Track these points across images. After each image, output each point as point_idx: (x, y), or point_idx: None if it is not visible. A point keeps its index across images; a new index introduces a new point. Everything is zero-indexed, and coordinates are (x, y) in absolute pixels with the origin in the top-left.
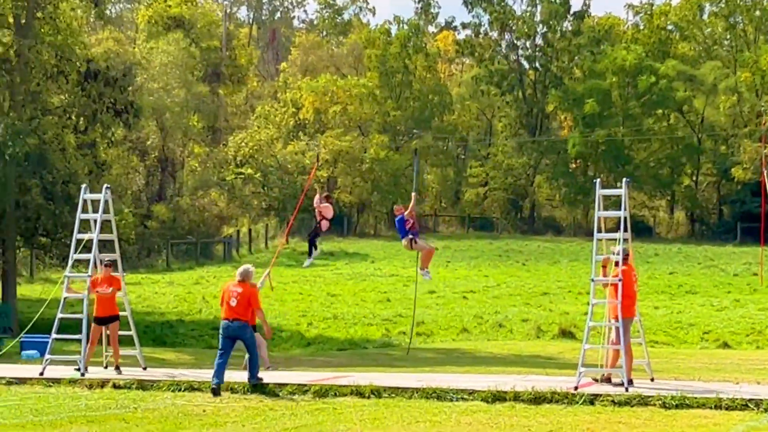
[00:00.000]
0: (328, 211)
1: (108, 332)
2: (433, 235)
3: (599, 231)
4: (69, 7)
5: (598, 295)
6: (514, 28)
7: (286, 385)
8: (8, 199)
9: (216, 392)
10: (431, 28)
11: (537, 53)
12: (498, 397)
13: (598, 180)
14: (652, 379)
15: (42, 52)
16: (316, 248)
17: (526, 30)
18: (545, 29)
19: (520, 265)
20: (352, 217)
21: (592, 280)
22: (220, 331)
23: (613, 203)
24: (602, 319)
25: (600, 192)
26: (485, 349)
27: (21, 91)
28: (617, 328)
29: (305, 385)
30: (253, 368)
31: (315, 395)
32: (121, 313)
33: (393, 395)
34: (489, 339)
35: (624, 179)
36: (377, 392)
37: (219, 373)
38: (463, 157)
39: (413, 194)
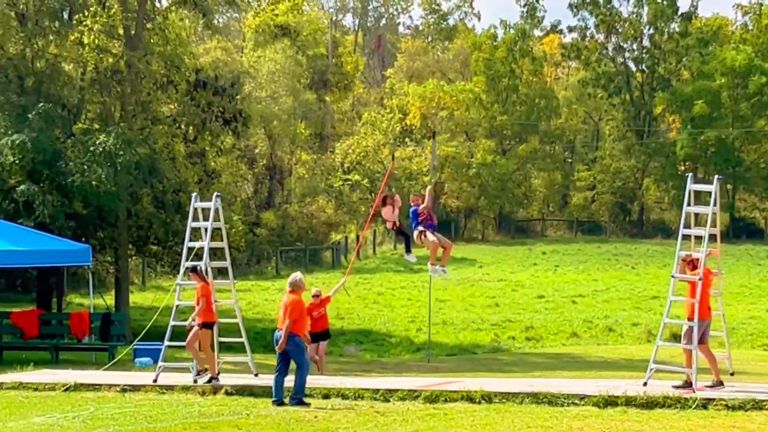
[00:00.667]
0: (391, 213)
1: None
2: (541, 239)
3: (687, 227)
4: (178, 18)
5: (677, 293)
6: (620, 30)
7: (397, 390)
8: (120, 208)
9: (280, 403)
10: (537, 32)
11: (644, 55)
12: (609, 401)
13: (690, 174)
14: (732, 374)
15: (152, 62)
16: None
17: (633, 32)
18: (652, 31)
19: (629, 268)
20: (460, 222)
21: (673, 277)
22: (274, 341)
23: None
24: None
25: (691, 187)
26: (595, 354)
27: (131, 101)
28: (690, 329)
29: (416, 390)
30: (298, 387)
31: (426, 401)
32: (231, 320)
33: (504, 400)
34: (599, 343)
35: (716, 176)
36: (488, 397)
37: (278, 390)
38: (570, 160)
39: (429, 188)
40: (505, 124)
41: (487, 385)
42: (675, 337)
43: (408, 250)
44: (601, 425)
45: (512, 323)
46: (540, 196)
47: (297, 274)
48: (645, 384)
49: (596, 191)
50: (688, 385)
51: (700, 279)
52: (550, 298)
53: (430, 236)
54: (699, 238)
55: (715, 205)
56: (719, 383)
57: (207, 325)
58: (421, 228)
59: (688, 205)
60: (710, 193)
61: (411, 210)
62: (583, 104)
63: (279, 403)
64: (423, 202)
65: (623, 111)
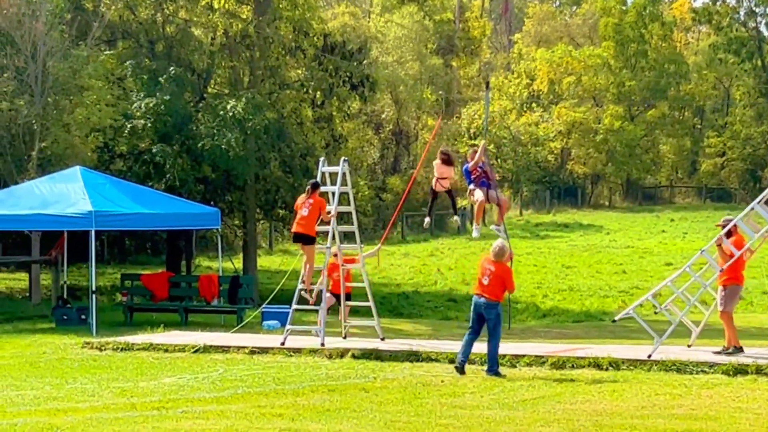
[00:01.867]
0: (452, 172)
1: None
2: (669, 206)
3: None
4: None
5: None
6: None
7: (524, 356)
8: (249, 172)
9: (460, 370)
10: None
11: None
12: (739, 370)
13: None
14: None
15: (280, 27)
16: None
17: None
18: None
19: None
20: (586, 188)
21: (701, 251)
22: (472, 306)
23: None
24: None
25: None
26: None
27: (260, 66)
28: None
29: (542, 356)
30: (491, 359)
31: (552, 367)
32: (358, 285)
33: (631, 367)
34: None
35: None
36: (615, 364)
37: (465, 351)
38: (699, 127)
39: (482, 143)
40: (633, 89)
41: (615, 351)
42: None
43: (455, 211)
44: (731, 393)
45: (640, 290)
46: (668, 163)
47: (503, 243)
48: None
49: (726, 158)
50: (737, 349)
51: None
52: (678, 265)
53: (476, 194)
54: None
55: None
56: (739, 349)
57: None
58: (471, 186)
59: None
60: None
61: (463, 168)
62: (713, 70)
63: (461, 365)
64: (471, 160)
65: (754, 76)
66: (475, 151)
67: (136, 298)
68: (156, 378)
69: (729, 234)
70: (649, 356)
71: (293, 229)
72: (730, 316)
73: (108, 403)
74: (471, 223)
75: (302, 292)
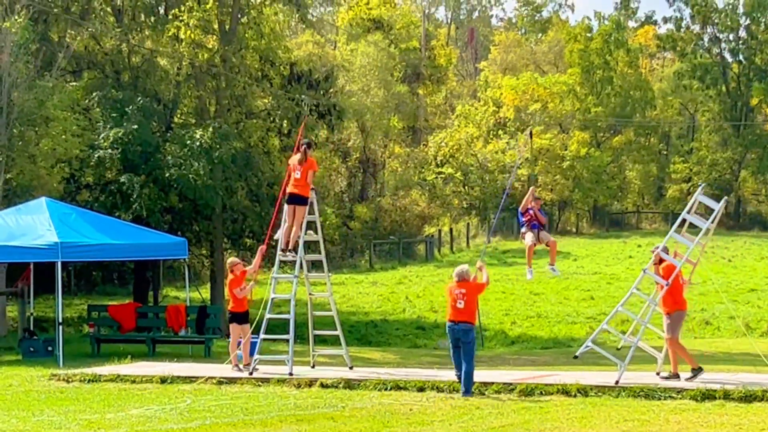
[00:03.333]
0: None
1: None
2: (636, 232)
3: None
4: (272, 12)
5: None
6: (716, 21)
7: (492, 383)
8: (216, 201)
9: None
10: (632, 23)
11: (740, 46)
12: (707, 395)
13: (702, 185)
14: (658, 373)
15: (246, 56)
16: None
17: (729, 23)
18: (749, 21)
19: (726, 261)
20: (554, 214)
21: (644, 271)
22: (448, 332)
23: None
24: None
25: (698, 198)
26: (692, 347)
27: (226, 95)
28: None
29: (511, 383)
30: (466, 381)
31: (521, 394)
32: (326, 313)
33: (600, 394)
34: (695, 336)
35: (699, 184)
36: (584, 391)
37: (459, 366)
38: (665, 152)
39: (531, 189)
40: (599, 116)
41: (583, 378)
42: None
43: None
44: (699, 419)
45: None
46: (635, 189)
47: (461, 266)
48: (575, 357)
49: (692, 183)
50: (674, 376)
51: (667, 284)
52: (645, 291)
53: (527, 237)
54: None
55: (712, 222)
56: (699, 369)
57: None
58: (523, 229)
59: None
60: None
61: (517, 212)
62: (678, 96)
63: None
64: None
65: (719, 102)
66: (532, 195)
67: (103, 329)
68: (123, 409)
69: (661, 261)
70: (617, 382)
71: (287, 191)
72: (677, 341)
73: None
74: (438, 250)
75: (281, 255)
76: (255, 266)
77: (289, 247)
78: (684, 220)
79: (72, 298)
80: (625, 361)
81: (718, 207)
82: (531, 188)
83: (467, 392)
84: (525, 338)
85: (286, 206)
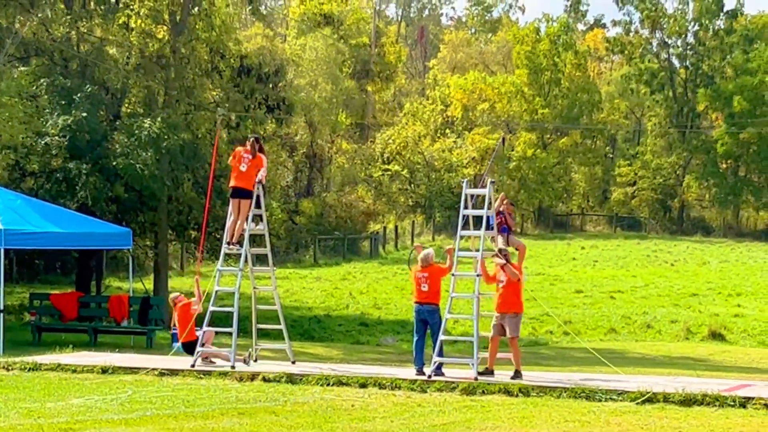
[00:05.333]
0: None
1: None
2: (580, 234)
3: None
4: (224, 4)
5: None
6: (665, 26)
7: (434, 381)
8: (162, 192)
9: (421, 372)
10: (581, 26)
11: (688, 51)
12: (648, 398)
13: (466, 180)
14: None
15: (197, 48)
16: None
17: (678, 28)
18: (697, 27)
19: (668, 265)
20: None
21: (453, 275)
22: (414, 314)
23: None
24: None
25: (466, 191)
26: (634, 350)
27: (176, 86)
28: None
29: (453, 381)
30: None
31: (463, 392)
32: (270, 307)
33: (541, 394)
34: (637, 340)
35: (489, 180)
36: (525, 391)
37: (419, 358)
38: (611, 156)
39: (501, 194)
40: (546, 117)
41: (525, 378)
42: (713, 335)
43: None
44: (639, 421)
45: (550, 317)
46: (580, 191)
47: (429, 250)
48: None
49: (637, 187)
50: (489, 372)
51: (478, 275)
52: (588, 293)
53: (498, 241)
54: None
55: (488, 208)
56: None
57: None
58: (493, 232)
59: (465, 207)
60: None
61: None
62: (625, 99)
63: (420, 369)
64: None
65: (666, 107)
66: (503, 200)
67: (44, 318)
68: (64, 399)
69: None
70: (475, 378)
71: (231, 184)
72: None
73: (14, 423)
74: (383, 247)
75: (226, 248)
76: (198, 298)
77: (234, 240)
78: (466, 217)
79: (14, 286)
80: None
81: (488, 190)
82: (502, 194)
83: (438, 369)
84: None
85: (231, 200)
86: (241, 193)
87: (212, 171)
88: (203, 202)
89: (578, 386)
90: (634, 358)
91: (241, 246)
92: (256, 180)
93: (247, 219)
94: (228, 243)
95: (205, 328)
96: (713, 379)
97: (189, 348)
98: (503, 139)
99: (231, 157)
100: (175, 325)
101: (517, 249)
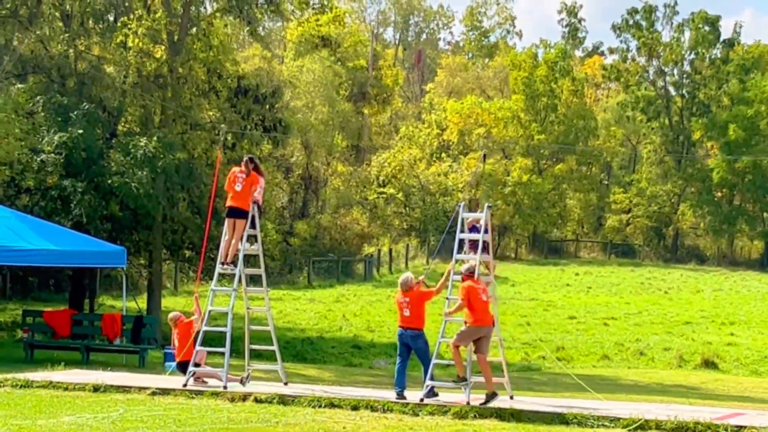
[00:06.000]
0: None
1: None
2: (574, 260)
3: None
4: (222, 25)
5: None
6: (662, 54)
7: (426, 405)
8: (157, 211)
9: (401, 396)
10: (578, 53)
11: (684, 80)
12: (640, 425)
13: (462, 204)
14: (512, 397)
15: (194, 68)
16: None
17: (674, 57)
18: (693, 56)
19: (662, 293)
20: (493, 239)
21: (447, 298)
22: (397, 337)
23: None
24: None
25: (463, 215)
26: (626, 377)
27: (172, 105)
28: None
29: (445, 406)
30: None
31: (455, 416)
32: (263, 328)
33: (533, 420)
34: (630, 367)
35: (486, 204)
36: (517, 416)
37: (400, 380)
38: (606, 182)
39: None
40: (542, 143)
41: (517, 403)
42: (707, 364)
43: None
44: None
45: (543, 342)
46: (575, 217)
47: (408, 274)
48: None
49: (632, 214)
50: (461, 380)
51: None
52: (581, 319)
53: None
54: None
55: (486, 232)
56: (464, 379)
57: None
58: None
59: (461, 231)
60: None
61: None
62: (621, 126)
63: (400, 392)
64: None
65: (661, 135)
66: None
67: (37, 335)
68: (55, 416)
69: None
70: (468, 403)
71: (227, 204)
72: (458, 349)
73: None
74: (377, 270)
75: (220, 268)
76: (198, 314)
77: (228, 260)
78: (462, 240)
79: (7, 303)
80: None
81: (484, 215)
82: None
83: (430, 392)
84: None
85: (226, 219)
86: (237, 213)
87: (213, 191)
88: (198, 221)
89: (570, 412)
90: (627, 385)
91: (236, 266)
92: (252, 200)
93: (241, 239)
94: (222, 263)
95: (197, 348)
96: (706, 407)
97: (184, 367)
98: (484, 156)
99: (227, 180)
100: (174, 345)
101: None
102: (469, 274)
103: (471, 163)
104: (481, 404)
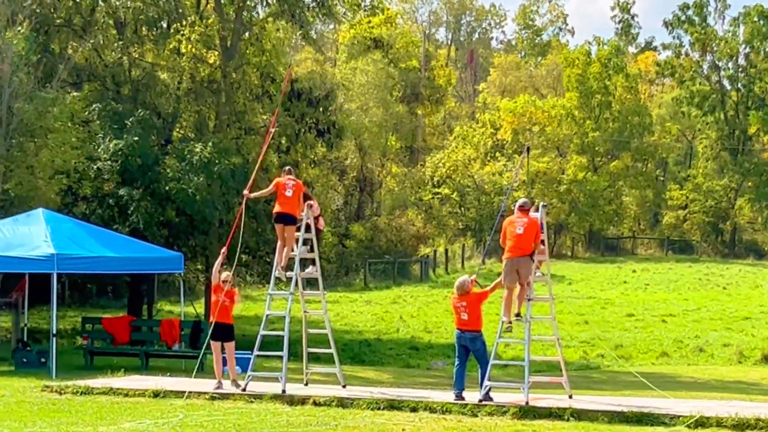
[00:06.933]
0: None
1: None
2: (631, 257)
3: None
4: (275, 29)
5: None
6: (716, 48)
7: (486, 405)
8: (214, 216)
9: (460, 397)
10: (631, 49)
11: (739, 74)
12: (700, 422)
13: (505, 201)
14: (570, 396)
15: (247, 72)
16: None
17: (729, 51)
18: (748, 50)
19: (720, 288)
20: (549, 238)
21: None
22: (455, 340)
23: None
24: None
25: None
26: (686, 374)
27: (226, 110)
28: None
29: (504, 405)
30: (481, 383)
31: (514, 416)
32: (321, 331)
33: (592, 418)
34: (689, 363)
35: (541, 203)
36: (576, 415)
37: (458, 381)
38: (662, 179)
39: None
40: (597, 140)
41: (576, 402)
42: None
43: None
44: None
45: (601, 341)
46: (631, 214)
47: (464, 277)
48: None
49: (688, 210)
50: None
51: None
52: (639, 316)
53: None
54: None
55: (542, 231)
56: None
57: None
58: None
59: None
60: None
61: None
62: (676, 122)
63: (459, 393)
64: None
65: (717, 130)
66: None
67: (96, 342)
68: (116, 423)
69: None
70: (527, 402)
71: (276, 210)
72: (510, 291)
73: None
74: (433, 271)
75: (277, 273)
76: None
77: (283, 266)
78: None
79: (66, 310)
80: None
81: (540, 214)
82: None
83: (487, 396)
84: (518, 361)
85: (275, 225)
86: (286, 219)
87: (266, 138)
88: (254, 226)
89: (630, 411)
90: (686, 382)
91: (290, 271)
92: (302, 209)
93: (297, 242)
94: (280, 268)
95: (256, 352)
96: (766, 403)
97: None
98: (527, 149)
99: (274, 187)
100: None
101: None
102: (522, 206)
103: (525, 161)
104: (515, 317)
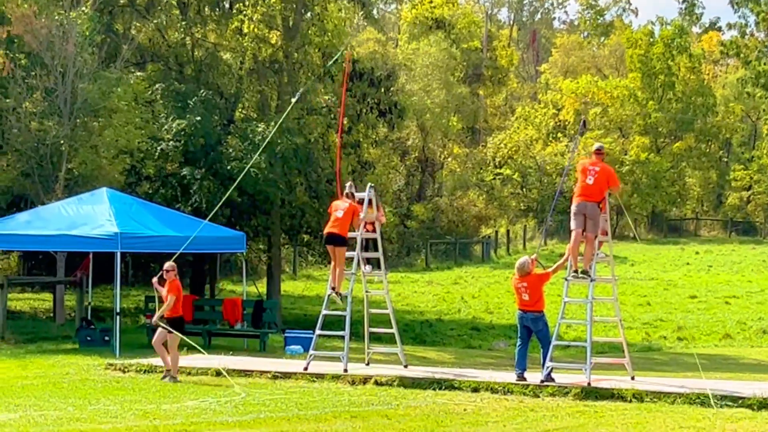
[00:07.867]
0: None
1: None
2: (694, 239)
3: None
4: (336, 9)
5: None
6: None
7: (547, 386)
8: (276, 196)
9: (521, 378)
10: (695, 29)
11: None
12: (764, 404)
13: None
14: (633, 378)
15: (309, 52)
16: None
17: None
18: None
19: None
20: (612, 219)
21: (566, 279)
22: (517, 320)
23: None
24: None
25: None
26: (749, 356)
27: (288, 91)
28: None
29: (566, 386)
30: (543, 363)
31: (576, 397)
32: (382, 311)
33: (655, 400)
34: (753, 345)
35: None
36: (639, 396)
37: (520, 362)
38: (726, 160)
39: None
40: (660, 121)
41: (639, 383)
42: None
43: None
44: (755, 428)
45: (664, 323)
46: (694, 195)
47: (524, 258)
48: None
49: (752, 191)
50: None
51: None
52: (702, 298)
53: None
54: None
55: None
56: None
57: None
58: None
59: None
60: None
61: None
62: (741, 103)
63: (521, 373)
64: None
65: None
66: None
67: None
68: (179, 401)
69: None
70: (589, 384)
71: (326, 230)
72: (575, 242)
73: (130, 425)
74: (495, 252)
75: (332, 295)
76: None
77: (333, 286)
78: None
79: (130, 289)
80: (588, 364)
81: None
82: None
83: (548, 377)
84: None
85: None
86: (335, 240)
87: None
88: (316, 206)
89: (693, 392)
90: (750, 365)
91: (344, 294)
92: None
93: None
94: (332, 288)
95: (318, 331)
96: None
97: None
98: (584, 122)
99: (330, 207)
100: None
101: None
102: (598, 150)
103: (588, 142)
104: (582, 274)
